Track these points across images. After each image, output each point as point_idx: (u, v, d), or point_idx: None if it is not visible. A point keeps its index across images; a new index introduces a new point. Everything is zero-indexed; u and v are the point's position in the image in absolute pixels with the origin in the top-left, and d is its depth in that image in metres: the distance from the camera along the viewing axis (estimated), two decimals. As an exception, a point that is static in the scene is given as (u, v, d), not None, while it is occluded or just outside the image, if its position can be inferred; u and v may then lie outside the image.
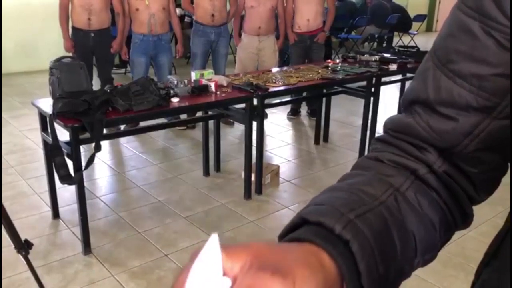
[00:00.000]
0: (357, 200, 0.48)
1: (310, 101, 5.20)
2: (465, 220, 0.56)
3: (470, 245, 2.69)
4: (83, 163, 2.54)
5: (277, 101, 4.30)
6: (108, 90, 2.70)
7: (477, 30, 0.48)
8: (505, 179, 0.57)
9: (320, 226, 0.44)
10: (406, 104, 0.56)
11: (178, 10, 5.30)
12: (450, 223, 0.54)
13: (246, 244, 0.37)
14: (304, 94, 4.94)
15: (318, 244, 0.42)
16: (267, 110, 5.01)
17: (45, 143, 2.79)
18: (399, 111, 0.58)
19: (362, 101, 4.03)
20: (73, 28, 4.40)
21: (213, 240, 0.35)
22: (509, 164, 0.55)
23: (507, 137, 0.50)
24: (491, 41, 0.47)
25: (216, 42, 4.74)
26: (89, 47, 4.38)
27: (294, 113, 5.39)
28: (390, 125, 0.58)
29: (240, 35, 4.89)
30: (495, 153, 0.52)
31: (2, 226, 1.71)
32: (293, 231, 0.46)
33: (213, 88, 3.13)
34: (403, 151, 0.55)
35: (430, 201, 0.52)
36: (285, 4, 4.91)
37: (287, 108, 5.47)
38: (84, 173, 2.58)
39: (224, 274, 0.35)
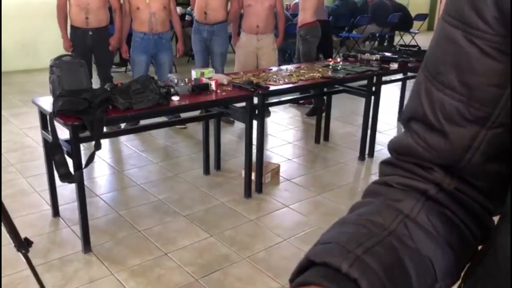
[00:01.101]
0: (365, 233, 0.47)
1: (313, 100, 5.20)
2: (487, 233, 0.54)
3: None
4: (83, 162, 2.54)
5: (276, 100, 4.29)
6: (109, 89, 2.70)
7: (461, 39, 0.47)
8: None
9: (327, 267, 0.44)
10: (404, 122, 0.56)
11: (178, 9, 5.30)
12: (468, 239, 0.52)
13: None
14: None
15: (325, 287, 0.41)
16: (270, 109, 5.03)
17: (45, 141, 2.79)
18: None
19: (363, 100, 4.02)
20: (72, 26, 4.41)
21: None
22: None
23: (508, 144, 0.49)
24: (475, 49, 0.46)
25: (209, 40, 4.73)
26: (88, 46, 4.39)
27: (312, 113, 5.16)
28: (392, 146, 0.57)
29: (239, 34, 4.89)
30: (499, 162, 0.51)
31: (2, 224, 1.70)
32: (302, 273, 0.45)
33: (213, 87, 3.13)
34: (411, 172, 0.54)
35: (445, 221, 0.51)
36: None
37: (288, 107, 5.47)
38: (84, 171, 2.57)
39: None
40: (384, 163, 0.58)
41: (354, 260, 0.43)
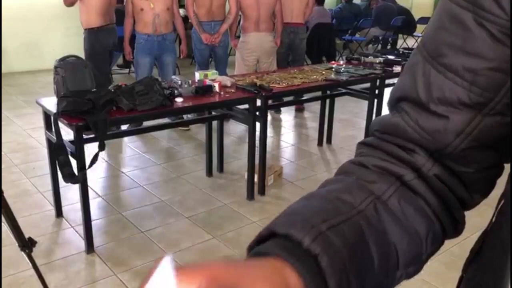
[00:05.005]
0: (332, 209, 0.45)
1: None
2: (456, 228, 0.53)
3: (473, 248, 2.68)
4: (87, 162, 2.54)
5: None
6: (113, 90, 2.71)
7: (470, 22, 0.45)
8: (503, 178, 0.54)
9: (288, 239, 0.41)
10: (393, 101, 0.54)
11: (181, 11, 5.31)
12: (438, 232, 0.51)
13: (201, 265, 0.35)
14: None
15: (284, 259, 0.39)
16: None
17: (49, 142, 2.80)
18: None
19: (366, 102, 4.03)
20: (94, 28, 4.46)
21: (166, 263, 0.32)
22: (505, 164, 0.53)
23: (501, 134, 0.48)
24: (484, 33, 0.45)
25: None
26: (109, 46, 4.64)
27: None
28: (377, 126, 0.55)
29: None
30: (488, 150, 0.49)
31: (6, 224, 1.71)
32: (261, 243, 0.43)
33: (217, 89, 3.13)
34: (389, 155, 0.52)
35: (416, 209, 0.49)
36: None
37: (291, 109, 5.47)
38: (88, 172, 2.58)
39: None
40: (363, 143, 0.56)
41: (317, 235, 0.41)
